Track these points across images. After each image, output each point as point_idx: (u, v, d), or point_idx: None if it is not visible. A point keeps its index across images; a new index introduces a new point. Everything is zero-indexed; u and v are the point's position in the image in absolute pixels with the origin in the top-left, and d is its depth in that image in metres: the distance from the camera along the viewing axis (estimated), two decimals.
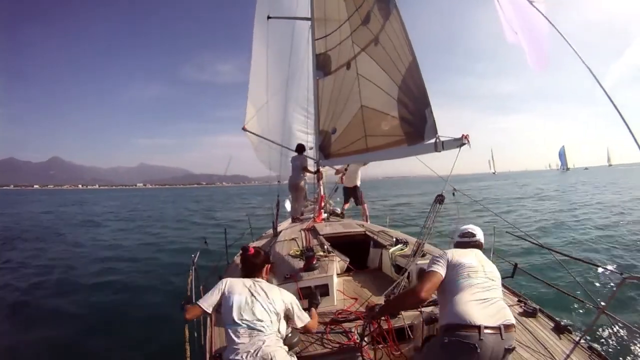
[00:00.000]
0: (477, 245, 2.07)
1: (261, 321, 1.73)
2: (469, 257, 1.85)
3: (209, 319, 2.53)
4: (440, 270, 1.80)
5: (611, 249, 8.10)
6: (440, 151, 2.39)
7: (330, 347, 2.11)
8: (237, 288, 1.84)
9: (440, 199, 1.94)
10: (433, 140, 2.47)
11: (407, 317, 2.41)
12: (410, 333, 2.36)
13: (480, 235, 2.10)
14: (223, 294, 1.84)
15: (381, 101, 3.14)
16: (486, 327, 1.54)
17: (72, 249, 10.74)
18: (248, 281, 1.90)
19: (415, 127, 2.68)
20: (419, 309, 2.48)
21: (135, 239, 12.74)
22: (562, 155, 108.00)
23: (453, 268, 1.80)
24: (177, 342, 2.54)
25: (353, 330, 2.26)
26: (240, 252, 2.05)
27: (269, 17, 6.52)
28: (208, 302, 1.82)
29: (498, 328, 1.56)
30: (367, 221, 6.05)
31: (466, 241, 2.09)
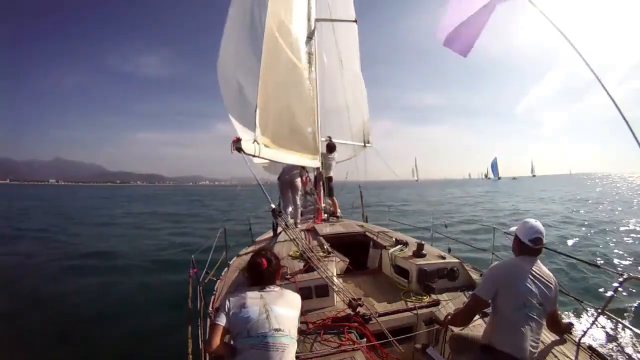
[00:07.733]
0: (540, 251, 1.80)
1: (281, 330, 1.56)
2: (527, 279, 1.69)
3: (209, 320, 2.52)
4: (486, 295, 1.76)
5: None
6: None
7: (328, 347, 2.10)
8: (248, 301, 1.64)
9: None
10: None
11: (402, 318, 2.42)
12: (409, 333, 2.36)
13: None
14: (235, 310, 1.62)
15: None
16: None
17: None
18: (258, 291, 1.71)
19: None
20: (415, 312, 2.48)
21: None
22: (494, 165, 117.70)
23: (505, 293, 1.71)
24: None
25: (352, 331, 2.26)
26: (249, 264, 1.79)
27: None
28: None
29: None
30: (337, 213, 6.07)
31: (532, 248, 1.77)
